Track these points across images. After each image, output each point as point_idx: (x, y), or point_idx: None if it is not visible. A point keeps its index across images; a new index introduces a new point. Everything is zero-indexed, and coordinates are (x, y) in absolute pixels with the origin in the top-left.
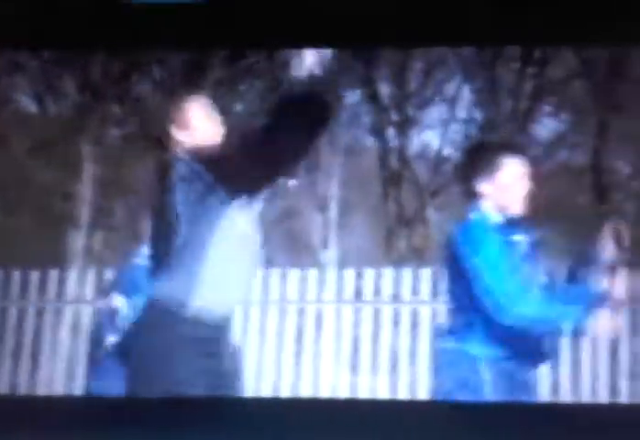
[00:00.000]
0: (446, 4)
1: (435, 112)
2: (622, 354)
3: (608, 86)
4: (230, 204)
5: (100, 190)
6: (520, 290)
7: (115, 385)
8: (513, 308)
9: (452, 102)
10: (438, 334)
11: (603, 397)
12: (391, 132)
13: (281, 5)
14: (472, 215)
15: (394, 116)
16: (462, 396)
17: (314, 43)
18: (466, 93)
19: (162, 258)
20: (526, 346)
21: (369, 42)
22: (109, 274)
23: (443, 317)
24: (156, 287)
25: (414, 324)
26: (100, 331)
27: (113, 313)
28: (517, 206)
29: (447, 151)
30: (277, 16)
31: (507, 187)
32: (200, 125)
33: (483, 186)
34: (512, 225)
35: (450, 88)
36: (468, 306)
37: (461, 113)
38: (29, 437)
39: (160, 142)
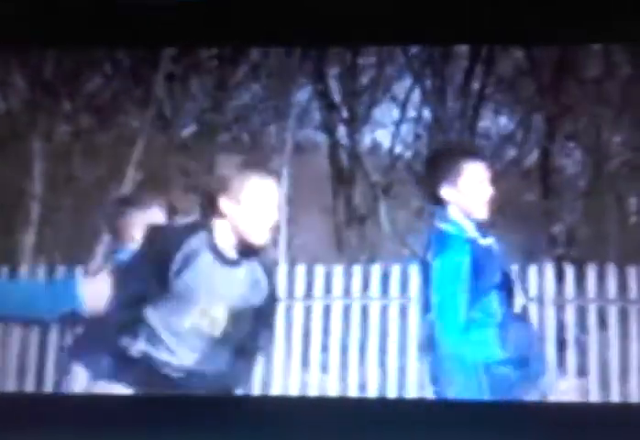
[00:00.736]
0: (397, 3)
1: (386, 110)
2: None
3: (556, 85)
4: None
5: (51, 186)
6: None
7: None
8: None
9: (402, 100)
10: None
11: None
12: (341, 129)
13: (231, 4)
14: (440, 225)
15: (345, 114)
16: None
17: (264, 42)
18: (415, 92)
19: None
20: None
21: (320, 41)
22: (60, 271)
23: (394, 314)
24: None
25: (365, 320)
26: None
27: None
28: (481, 210)
29: (399, 149)
30: (227, 15)
31: (470, 192)
32: (258, 208)
33: (447, 192)
34: (478, 229)
35: (400, 86)
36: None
37: (411, 111)
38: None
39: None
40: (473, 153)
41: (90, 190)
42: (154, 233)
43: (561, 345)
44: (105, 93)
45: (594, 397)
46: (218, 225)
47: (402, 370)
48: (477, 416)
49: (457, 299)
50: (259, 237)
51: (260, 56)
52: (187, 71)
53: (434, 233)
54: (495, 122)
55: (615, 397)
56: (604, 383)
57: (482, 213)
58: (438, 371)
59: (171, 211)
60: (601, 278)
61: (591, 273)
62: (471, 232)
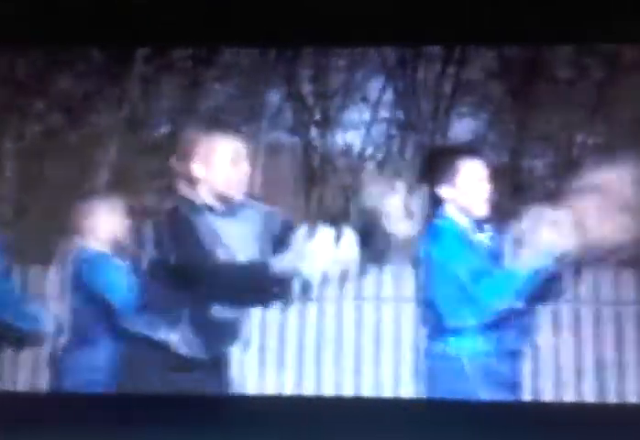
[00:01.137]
0: (370, 4)
1: (358, 111)
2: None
3: (526, 86)
4: None
5: (22, 186)
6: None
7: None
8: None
9: (374, 101)
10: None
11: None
12: (313, 131)
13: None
14: (436, 221)
15: (317, 115)
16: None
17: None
18: (387, 93)
19: None
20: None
21: (293, 42)
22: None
23: (369, 314)
24: None
25: (339, 321)
26: None
27: None
28: (480, 208)
29: (370, 150)
30: (201, 15)
31: (468, 190)
32: (225, 167)
33: (445, 190)
34: (476, 226)
35: (372, 88)
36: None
37: (383, 112)
38: None
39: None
40: (471, 151)
41: (61, 189)
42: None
43: None
44: (78, 93)
45: (548, 397)
46: (196, 190)
47: (376, 370)
48: (459, 415)
49: (454, 293)
50: (236, 192)
51: (233, 57)
52: (160, 72)
53: (429, 228)
54: (466, 123)
55: (570, 397)
56: (558, 384)
57: (482, 210)
58: (429, 369)
59: (142, 212)
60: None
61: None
62: (469, 229)
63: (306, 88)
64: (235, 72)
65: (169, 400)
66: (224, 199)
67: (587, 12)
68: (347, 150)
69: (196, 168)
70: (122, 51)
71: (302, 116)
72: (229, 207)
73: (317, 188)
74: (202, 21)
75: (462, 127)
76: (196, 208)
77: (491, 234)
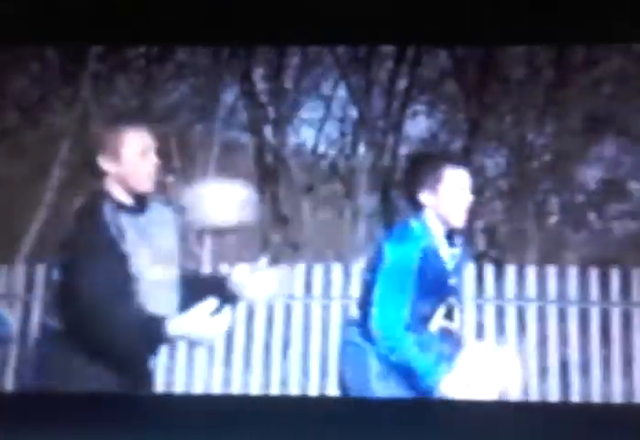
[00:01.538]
0: (324, 3)
1: (311, 109)
2: None
3: (479, 86)
4: None
5: None
6: (398, 325)
7: None
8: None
9: (327, 99)
10: (347, 324)
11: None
12: (267, 129)
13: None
14: (409, 220)
15: (271, 114)
16: (357, 386)
17: (192, 41)
18: (341, 91)
19: None
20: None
21: (246, 40)
22: None
23: (316, 313)
24: None
25: (287, 320)
26: None
27: None
28: (458, 217)
29: (323, 148)
30: (156, 13)
31: (449, 198)
32: (134, 160)
33: (426, 197)
34: (447, 237)
35: (326, 86)
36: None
37: (336, 110)
38: None
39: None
40: (456, 160)
41: (16, 188)
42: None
43: None
44: (33, 92)
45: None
46: (106, 184)
47: (323, 369)
48: (398, 415)
49: (402, 293)
50: (146, 185)
51: (187, 55)
52: (114, 70)
53: (400, 225)
54: (420, 121)
55: (534, 396)
56: (524, 383)
57: (459, 220)
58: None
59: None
60: (521, 278)
61: (511, 273)
62: (438, 238)
63: (260, 86)
64: (189, 71)
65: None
66: (134, 193)
67: (541, 11)
68: (300, 148)
69: (105, 161)
70: (76, 50)
71: (256, 114)
72: (140, 204)
73: (270, 186)
74: (157, 20)
75: (415, 126)
76: (107, 205)
77: (458, 250)
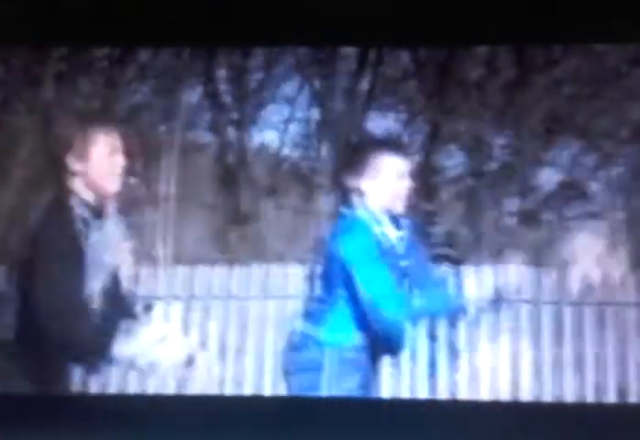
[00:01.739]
0: (286, 4)
1: (274, 111)
2: None
3: (439, 87)
4: None
5: None
6: (389, 293)
7: None
8: (383, 311)
9: (290, 101)
10: (295, 316)
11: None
12: (230, 130)
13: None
14: (352, 212)
15: (234, 115)
16: (302, 379)
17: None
18: (304, 93)
19: None
20: (381, 339)
21: (208, 41)
22: None
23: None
24: None
25: (243, 321)
26: None
27: None
28: (397, 204)
29: (286, 150)
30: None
31: (388, 185)
32: (102, 160)
33: (364, 184)
34: (393, 223)
35: (289, 87)
36: (330, 295)
37: (299, 112)
38: None
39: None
40: (395, 147)
41: None
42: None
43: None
44: None
45: (464, 395)
46: (73, 185)
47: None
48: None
49: (381, 275)
50: (111, 186)
51: (149, 56)
52: (76, 71)
53: (343, 220)
54: (382, 123)
55: (485, 395)
56: (474, 382)
57: (399, 206)
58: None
59: None
60: (479, 278)
61: (469, 274)
62: (384, 224)
63: (223, 87)
64: (151, 72)
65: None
66: (99, 194)
67: (501, 11)
68: (262, 150)
69: (73, 161)
70: (38, 51)
71: (219, 116)
72: (99, 214)
73: (231, 188)
74: (119, 21)
75: (377, 127)
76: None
77: (404, 232)
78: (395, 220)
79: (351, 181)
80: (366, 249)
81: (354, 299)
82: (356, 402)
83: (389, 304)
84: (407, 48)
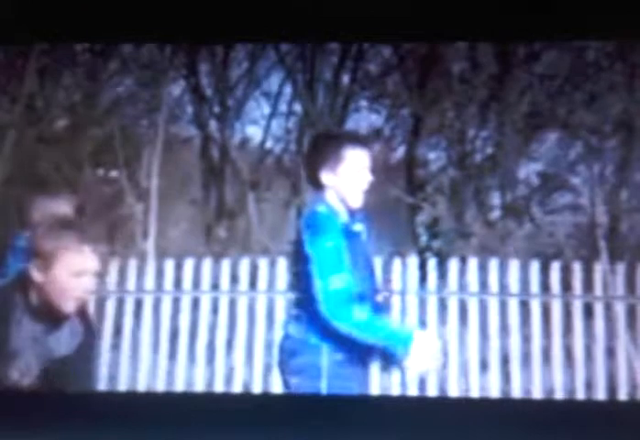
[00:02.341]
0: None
1: (257, 105)
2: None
3: (422, 81)
4: None
5: None
6: (347, 299)
7: None
8: (338, 317)
9: (273, 95)
10: (287, 319)
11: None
12: (213, 124)
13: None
14: (317, 207)
15: (216, 108)
16: (299, 382)
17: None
18: (286, 87)
19: None
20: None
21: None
22: None
23: (261, 307)
24: None
25: (232, 314)
26: None
27: None
28: (356, 198)
29: (269, 144)
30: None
31: (349, 178)
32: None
33: (327, 177)
34: (352, 216)
35: (271, 81)
36: (306, 295)
37: (282, 106)
38: None
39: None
40: (357, 140)
41: None
42: None
43: None
44: None
45: (454, 392)
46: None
47: (267, 365)
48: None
49: (343, 281)
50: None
51: (132, 50)
52: (59, 65)
53: (309, 216)
54: (364, 117)
55: (475, 393)
56: (465, 377)
57: (357, 201)
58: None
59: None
60: (463, 271)
61: (453, 266)
62: (344, 217)
63: (205, 81)
64: (134, 66)
65: None
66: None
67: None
68: (245, 143)
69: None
70: (21, 45)
71: (201, 109)
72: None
73: (216, 181)
74: (99, 16)
75: (359, 121)
76: None
77: (362, 226)
78: (352, 213)
79: (316, 173)
80: (326, 243)
81: (313, 298)
82: (353, 401)
83: (341, 309)
84: (389, 44)
